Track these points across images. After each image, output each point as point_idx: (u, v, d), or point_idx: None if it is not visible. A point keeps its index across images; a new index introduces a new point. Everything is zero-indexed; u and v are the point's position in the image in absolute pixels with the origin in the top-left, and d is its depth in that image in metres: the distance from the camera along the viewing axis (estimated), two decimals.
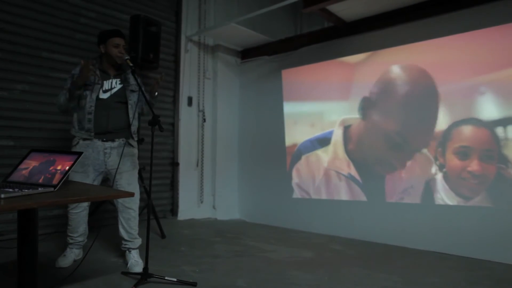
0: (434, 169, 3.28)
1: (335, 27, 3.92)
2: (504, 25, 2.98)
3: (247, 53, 4.89)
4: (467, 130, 3.11)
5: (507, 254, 2.85)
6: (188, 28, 4.56)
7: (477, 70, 3.11)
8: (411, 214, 3.40)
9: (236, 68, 4.94)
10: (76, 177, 2.44)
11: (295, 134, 4.32)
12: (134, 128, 2.62)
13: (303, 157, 4.20)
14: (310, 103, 4.20)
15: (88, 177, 2.50)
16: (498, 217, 2.96)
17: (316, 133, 4.09)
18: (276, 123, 4.46)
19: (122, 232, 2.61)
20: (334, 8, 3.51)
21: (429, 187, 3.31)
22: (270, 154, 4.51)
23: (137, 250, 2.65)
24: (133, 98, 2.61)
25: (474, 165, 3.03)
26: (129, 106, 2.59)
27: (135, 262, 2.55)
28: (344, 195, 3.83)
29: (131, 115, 2.58)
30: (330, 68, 4.02)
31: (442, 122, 3.26)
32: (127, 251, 2.63)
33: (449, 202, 3.19)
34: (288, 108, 4.39)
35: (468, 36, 3.15)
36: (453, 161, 3.16)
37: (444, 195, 3.21)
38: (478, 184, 3.03)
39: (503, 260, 2.85)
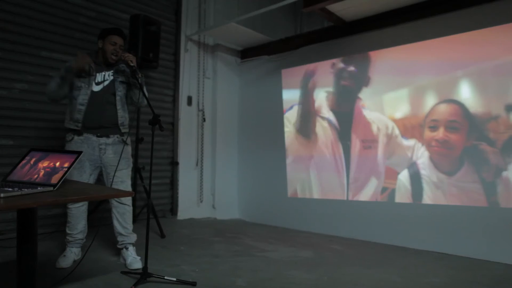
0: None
1: (335, 27, 3.92)
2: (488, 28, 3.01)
3: (247, 53, 4.89)
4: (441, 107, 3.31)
5: (507, 254, 2.85)
6: (188, 27, 4.55)
7: (478, 67, 3.12)
8: (410, 214, 3.40)
9: (236, 67, 4.94)
10: (73, 172, 2.45)
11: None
12: (123, 120, 2.62)
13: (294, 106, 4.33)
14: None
15: (85, 172, 2.52)
16: (498, 217, 2.96)
17: None
18: (275, 122, 4.46)
19: (118, 227, 2.62)
20: (334, 7, 3.51)
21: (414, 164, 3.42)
22: (270, 153, 4.50)
23: (134, 246, 2.66)
24: (122, 90, 2.62)
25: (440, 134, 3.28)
26: (117, 98, 2.59)
27: (134, 259, 2.55)
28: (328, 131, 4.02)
29: (118, 107, 2.59)
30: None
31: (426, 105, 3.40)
32: (124, 249, 2.63)
33: (434, 179, 3.29)
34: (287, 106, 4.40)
35: (467, 35, 3.15)
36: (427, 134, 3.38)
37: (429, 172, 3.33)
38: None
39: (503, 260, 2.85)
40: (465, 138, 3.14)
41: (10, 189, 1.40)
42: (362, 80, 3.78)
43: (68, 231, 2.62)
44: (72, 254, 2.59)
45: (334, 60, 3.97)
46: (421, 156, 3.37)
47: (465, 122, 3.15)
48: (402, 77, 3.52)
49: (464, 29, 3.15)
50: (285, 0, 3.56)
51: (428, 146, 3.32)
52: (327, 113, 4.05)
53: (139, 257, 2.58)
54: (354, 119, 3.82)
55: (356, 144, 3.81)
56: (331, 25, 3.96)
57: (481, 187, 3.05)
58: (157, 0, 4.33)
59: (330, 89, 4.03)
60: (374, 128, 3.70)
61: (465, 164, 3.14)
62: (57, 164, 1.64)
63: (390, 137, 3.58)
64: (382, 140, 3.63)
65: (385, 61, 3.63)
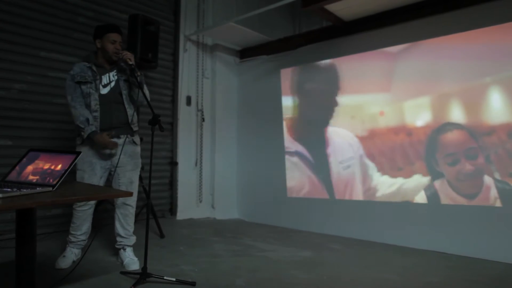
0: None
1: (334, 27, 3.92)
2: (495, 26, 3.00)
3: (245, 53, 4.89)
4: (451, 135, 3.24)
5: (507, 254, 2.85)
6: (186, 27, 4.55)
7: (482, 70, 3.10)
8: (410, 214, 3.40)
9: (235, 67, 4.94)
10: (84, 176, 2.48)
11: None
12: (131, 117, 2.60)
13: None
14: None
15: (96, 175, 2.53)
16: (498, 217, 2.96)
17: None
18: (275, 122, 4.46)
19: (118, 228, 2.61)
20: (332, 7, 3.51)
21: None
22: (269, 153, 4.50)
23: (132, 248, 2.65)
24: (127, 89, 2.61)
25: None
26: (124, 97, 2.58)
27: (131, 260, 2.55)
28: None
29: (126, 106, 2.58)
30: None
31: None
32: (121, 249, 2.63)
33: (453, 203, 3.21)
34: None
35: (467, 36, 3.16)
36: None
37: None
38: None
39: (503, 260, 2.85)
40: (484, 158, 3.05)
41: (9, 189, 1.40)
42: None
43: (71, 231, 2.61)
44: (72, 254, 2.58)
45: (291, 84, 3.95)
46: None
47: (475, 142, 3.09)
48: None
49: (465, 28, 3.16)
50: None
51: (456, 181, 3.17)
52: (292, 146, 4.03)
53: (136, 258, 2.58)
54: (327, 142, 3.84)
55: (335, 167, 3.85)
56: (330, 24, 3.96)
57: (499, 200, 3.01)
58: (155, 0, 4.33)
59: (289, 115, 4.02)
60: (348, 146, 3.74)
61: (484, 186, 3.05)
62: (56, 164, 1.64)
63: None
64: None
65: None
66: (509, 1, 2.96)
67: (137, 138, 2.68)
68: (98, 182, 2.53)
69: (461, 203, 3.16)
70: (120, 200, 2.60)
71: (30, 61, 3.32)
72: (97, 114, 2.49)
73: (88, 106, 2.50)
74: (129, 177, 2.59)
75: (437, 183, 3.29)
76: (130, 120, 2.59)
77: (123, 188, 2.56)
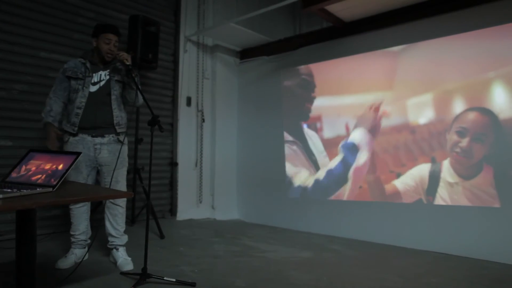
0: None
1: (334, 27, 3.92)
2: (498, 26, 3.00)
3: (246, 53, 4.89)
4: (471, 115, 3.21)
5: (507, 254, 2.85)
6: (187, 28, 4.56)
7: (483, 67, 3.11)
8: (410, 214, 3.40)
9: (235, 68, 4.94)
10: (70, 174, 2.43)
11: None
12: (118, 119, 2.57)
13: None
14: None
15: (82, 173, 2.51)
16: (498, 217, 2.96)
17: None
18: (275, 123, 4.46)
19: (109, 228, 2.61)
20: (333, 8, 3.51)
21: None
22: (269, 154, 4.50)
23: (124, 248, 2.65)
24: (118, 89, 2.59)
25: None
26: (113, 98, 2.57)
27: (125, 261, 2.55)
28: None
29: (114, 107, 2.57)
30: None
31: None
32: (114, 250, 2.62)
33: (451, 180, 3.21)
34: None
35: (468, 35, 3.16)
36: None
37: (447, 175, 3.23)
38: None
39: (503, 260, 2.85)
40: (488, 148, 3.06)
41: (9, 190, 1.40)
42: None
43: (71, 232, 2.62)
44: (73, 255, 2.58)
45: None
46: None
47: (492, 134, 3.06)
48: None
49: (466, 29, 3.16)
50: (284, 0, 3.56)
51: (450, 151, 3.22)
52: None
53: (129, 258, 2.58)
54: None
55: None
56: (330, 25, 3.97)
57: (495, 192, 3.00)
58: (156, 0, 4.33)
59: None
60: None
61: (483, 169, 3.06)
62: (56, 165, 1.64)
63: None
64: None
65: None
66: (510, 2, 2.96)
67: (123, 137, 2.63)
68: (85, 180, 2.52)
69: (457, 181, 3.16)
70: (108, 201, 2.59)
71: (30, 62, 3.32)
72: (80, 111, 2.49)
73: (73, 101, 2.51)
74: (114, 177, 2.54)
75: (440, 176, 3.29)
76: (116, 122, 2.57)
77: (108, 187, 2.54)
